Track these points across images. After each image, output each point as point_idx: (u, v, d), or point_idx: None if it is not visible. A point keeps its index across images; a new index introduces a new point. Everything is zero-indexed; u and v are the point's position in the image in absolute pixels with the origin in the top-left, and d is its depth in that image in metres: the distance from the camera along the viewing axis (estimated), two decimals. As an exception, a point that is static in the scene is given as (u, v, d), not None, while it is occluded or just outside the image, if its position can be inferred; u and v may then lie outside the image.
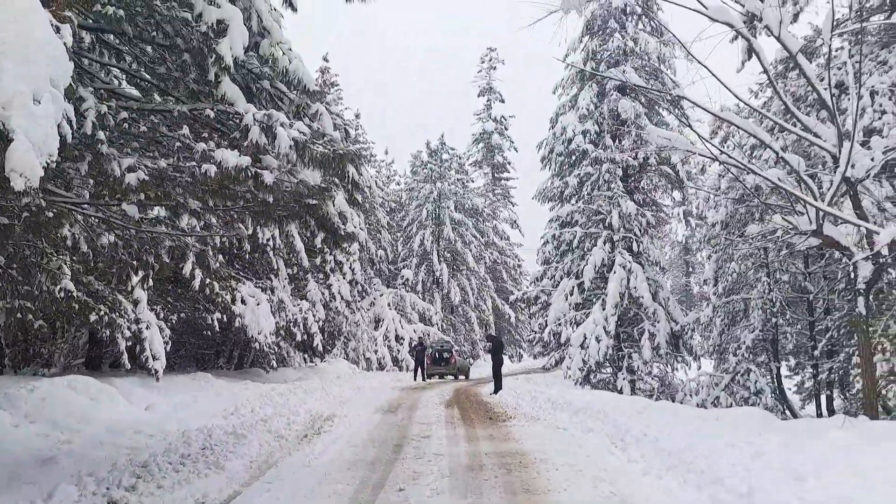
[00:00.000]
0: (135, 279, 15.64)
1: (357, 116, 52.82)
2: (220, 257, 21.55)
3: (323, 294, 29.49)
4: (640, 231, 24.75)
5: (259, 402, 15.25)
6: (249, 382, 22.18)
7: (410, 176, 58.44)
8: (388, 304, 43.67)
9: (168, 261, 11.47)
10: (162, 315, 19.91)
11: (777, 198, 13.17)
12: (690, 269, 62.82)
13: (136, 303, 16.50)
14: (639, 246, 24.37)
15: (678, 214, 32.47)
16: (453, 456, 9.13)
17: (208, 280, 20.42)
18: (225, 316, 22.61)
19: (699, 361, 26.02)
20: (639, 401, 13.44)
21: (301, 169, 7.82)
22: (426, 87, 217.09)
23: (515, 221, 62.34)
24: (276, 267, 26.24)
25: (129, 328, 16.54)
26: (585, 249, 24.84)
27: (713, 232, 24.16)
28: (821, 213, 9.85)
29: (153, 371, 17.82)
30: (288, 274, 28.59)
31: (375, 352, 40.64)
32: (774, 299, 21.14)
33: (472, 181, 62.70)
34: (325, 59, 42.59)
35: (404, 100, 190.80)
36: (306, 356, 32.84)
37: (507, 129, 67.75)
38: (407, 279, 47.83)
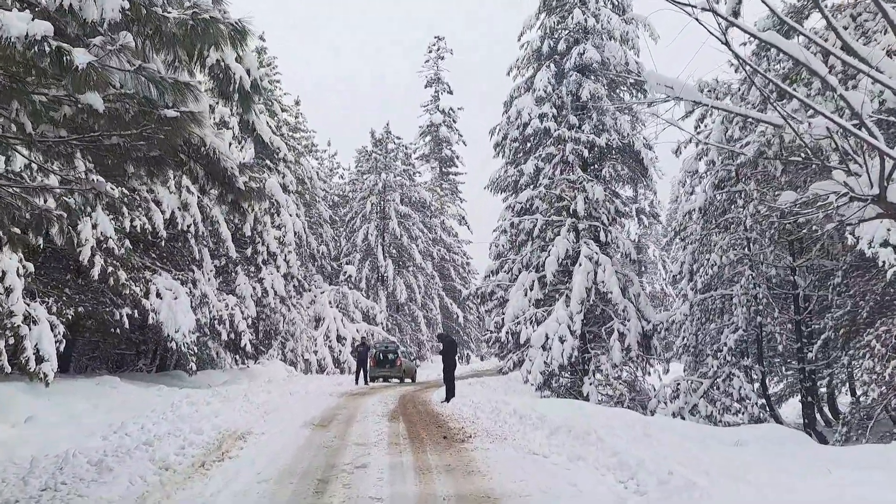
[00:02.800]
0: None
1: (297, 103, 49.76)
2: (128, 243, 18.52)
3: (254, 289, 26.55)
4: (608, 219, 22.33)
5: (159, 415, 12.36)
6: (164, 388, 19.17)
7: (355, 171, 55.54)
8: (330, 302, 40.75)
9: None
10: (55, 309, 16.80)
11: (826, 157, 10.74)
12: (643, 269, 61.00)
13: (7, 291, 13.43)
14: (607, 235, 21.94)
15: (632, 211, 30.33)
16: (398, 502, 6.48)
17: (111, 269, 17.43)
18: (136, 311, 19.62)
19: (667, 364, 23.75)
20: (633, 417, 10.83)
21: (152, 57, 5.02)
22: (380, 82, 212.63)
23: (464, 218, 59.84)
24: (199, 257, 23.21)
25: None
26: (547, 239, 22.32)
27: (687, 221, 21.93)
28: (885, 174, 7.45)
29: (41, 375, 14.81)
30: (215, 266, 25.59)
31: (315, 353, 37.68)
32: (760, 296, 18.94)
33: (420, 174, 60.09)
34: (262, 38, 38.83)
35: (354, 95, 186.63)
36: (237, 357, 29.88)
37: (455, 121, 65.39)
38: (350, 276, 44.90)
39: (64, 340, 16.38)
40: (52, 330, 15.50)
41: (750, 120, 19.25)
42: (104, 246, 17.04)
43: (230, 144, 25.42)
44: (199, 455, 8.99)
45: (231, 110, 27.75)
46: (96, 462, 7.88)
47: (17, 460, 8.57)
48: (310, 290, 40.99)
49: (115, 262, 17.70)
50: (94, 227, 16.82)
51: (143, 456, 8.41)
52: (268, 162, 30.40)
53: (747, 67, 7.67)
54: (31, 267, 14.31)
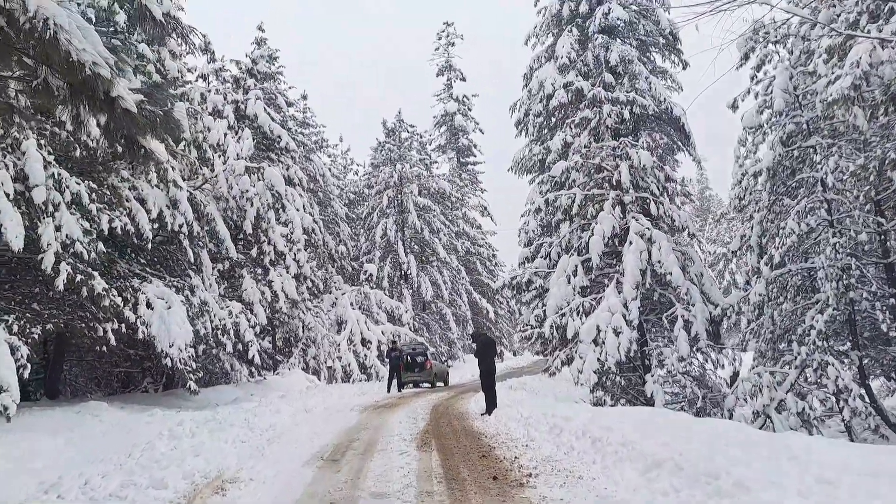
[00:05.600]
0: None
1: (304, 97, 47.21)
2: (101, 246, 15.80)
3: (263, 293, 23.83)
4: (659, 189, 19.31)
5: (121, 459, 9.67)
6: (158, 412, 16.40)
7: (370, 166, 52.70)
8: (352, 304, 38.00)
9: None
10: (16, 328, 14.14)
11: None
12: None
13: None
14: (658, 208, 18.92)
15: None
16: None
17: (80, 277, 14.69)
18: (123, 325, 16.95)
19: (735, 354, 20.61)
20: (761, 438, 7.67)
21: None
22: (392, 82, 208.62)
23: (486, 208, 56.86)
24: (195, 261, 20.54)
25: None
26: (588, 216, 19.39)
27: (752, 185, 18.96)
28: None
29: (1, 409, 12.13)
30: (218, 270, 22.94)
31: (339, 358, 34.81)
32: (852, 267, 15.89)
33: (437, 165, 57.39)
34: (261, 29, 35.19)
35: (368, 95, 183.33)
36: (252, 369, 27.29)
37: (470, 109, 62.78)
38: (371, 274, 42.11)
39: (28, 365, 13.68)
40: (13, 353, 12.91)
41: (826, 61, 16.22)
42: (71, 250, 14.35)
43: (225, 135, 22.71)
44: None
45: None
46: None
47: None
48: (330, 293, 38.45)
49: (88, 269, 14.99)
50: (58, 228, 14.16)
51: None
52: (270, 154, 27.75)
53: None
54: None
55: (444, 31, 63.26)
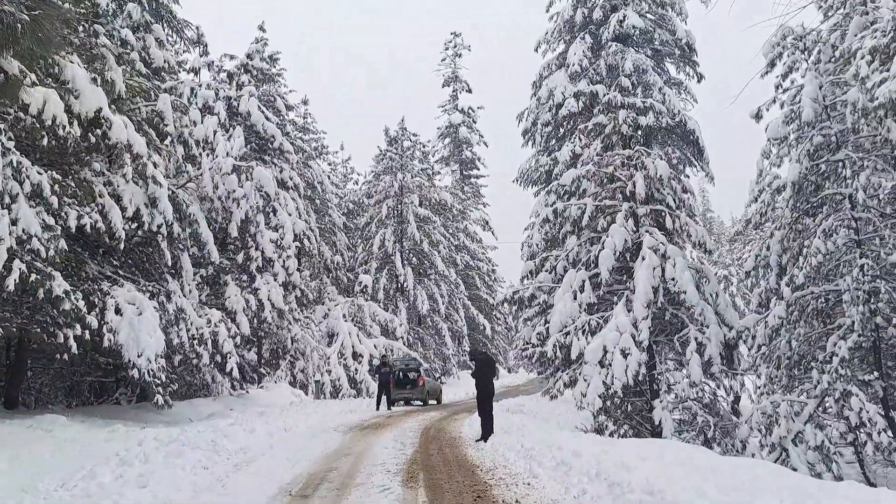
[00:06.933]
0: None
1: (305, 102, 45.97)
2: (63, 244, 14.31)
3: (247, 301, 22.45)
4: (675, 202, 17.99)
5: (56, 486, 8.29)
6: (121, 428, 14.86)
7: (370, 174, 51.40)
8: (344, 316, 36.58)
9: None
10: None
11: None
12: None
13: None
14: (674, 222, 17.59)
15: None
16: None
17: (35, 276, 13.28)
18: (88, 332, 15.49)
19: (740, 380, 19.26)
20: (830, 488, 6.30)
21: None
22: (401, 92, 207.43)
23: (487, 223, 55.47)
24: (174, 265, 19.16)
25: None
26: (599, 229, 18.03)
27: (774, 200, 17.66)
28: None
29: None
30: (200, 276, 21.59)
31: (329, 372, 33.31)
32: (880, 290, 14.60)
33: (440, 176, 56.14)
34: (262, 29, 33.74)
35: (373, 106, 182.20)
36: (234, 382, 25.79)
37: (475, 122, 61.49)
38: (365, 286, 40.74)
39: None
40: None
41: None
42: (27, 247, 12.96)
43: (215, 133, 21.33)
44: None
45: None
46: None
47: None
48: (322, 304, 37.08)
49: (47, 268, 13.57)
50: (14, 222, 12.79)
51: None
52: (264, 156, 26.42)
53: None
54: None
55: (451, 42, 62.22)
